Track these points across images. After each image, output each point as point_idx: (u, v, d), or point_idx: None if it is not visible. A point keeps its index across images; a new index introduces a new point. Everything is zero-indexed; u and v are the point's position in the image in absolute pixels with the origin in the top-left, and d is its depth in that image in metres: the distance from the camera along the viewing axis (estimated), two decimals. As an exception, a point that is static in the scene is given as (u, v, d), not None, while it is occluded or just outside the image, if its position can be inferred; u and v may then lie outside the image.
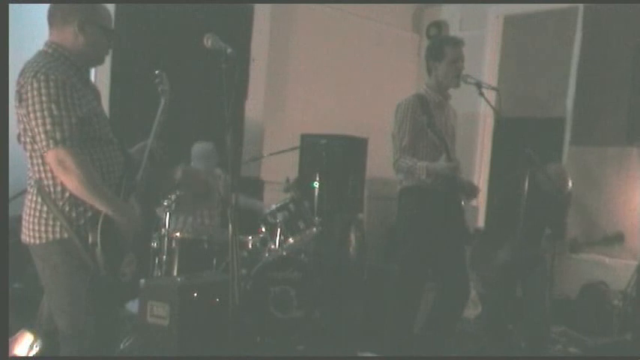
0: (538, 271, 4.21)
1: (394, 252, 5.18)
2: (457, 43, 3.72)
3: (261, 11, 5.77)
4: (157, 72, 2.74)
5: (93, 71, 4.55)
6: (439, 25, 6.93)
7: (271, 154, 5.19)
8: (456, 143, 3.88)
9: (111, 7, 4.70)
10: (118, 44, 4.81)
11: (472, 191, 3.84)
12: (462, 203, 3.81)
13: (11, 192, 2.58)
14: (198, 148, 4.83)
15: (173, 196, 4.12)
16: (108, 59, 4.69)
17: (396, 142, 3.64)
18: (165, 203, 4.10)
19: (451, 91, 3.78)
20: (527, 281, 4.24)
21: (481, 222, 6.53)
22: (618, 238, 4.31)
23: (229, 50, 2.55)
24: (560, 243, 4.23)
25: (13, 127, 2.38)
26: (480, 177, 6.65)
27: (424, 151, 3.62)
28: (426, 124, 3.50)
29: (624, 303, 4.92)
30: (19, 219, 2.38)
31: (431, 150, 3.61)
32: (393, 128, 3.70)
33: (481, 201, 6.65)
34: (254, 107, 5.77)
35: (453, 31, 6.69)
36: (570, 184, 4.30)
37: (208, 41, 2.56)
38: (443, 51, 3.67)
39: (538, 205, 4.05)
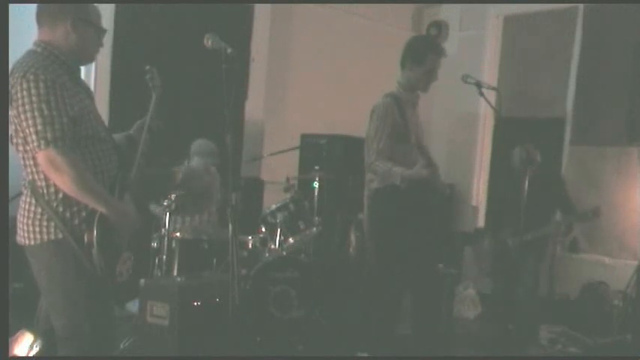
0: (529, 270, 4.24)
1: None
2: (440, 52, 3.64)
3: (261, 11, 5.77)
4: (147, 67, 2.72)
5: (93, 71, 4.61)
6: (439, 25, 6.92)
7: (271, 154, 5.18)
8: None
9: (111, 7, 4.73)
10: (119, 44, 4.84)
11: (440, 189, 3.74)
12: (431, 203, 3.70)
13: (11, 192, 2.57)
14: (198, 144, 4.82)
15: (173, 196, 4.11)
16: (108, 59, 4.80)
17: (372, 144, 3.54)
18: (165, 203, 4.10)
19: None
20: (519, 280, 4.27)
21: (481, 222, 6.53)
22: (595, 212, 4.30)
23: (229, 50, 2.54)
24: (567, 218, 4.34)
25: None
26: (480, 177, 6.65)
27: (400, 153, 3.54)
28: (403, 126, 3.47)
29: (624, 303, 4.92)
30: (18, 219, 2.37)
31: (407, 152, 3.56)
32: (368, 130, 3.61)
33: (481, 201, 6.66)
34: (254, 107, 5.77)
35: (453, 31, 6.69)
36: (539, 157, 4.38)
37: (208, 41, 2.56)
38: (425, 57, 3.59)
39: (537, 192, 4.04)
